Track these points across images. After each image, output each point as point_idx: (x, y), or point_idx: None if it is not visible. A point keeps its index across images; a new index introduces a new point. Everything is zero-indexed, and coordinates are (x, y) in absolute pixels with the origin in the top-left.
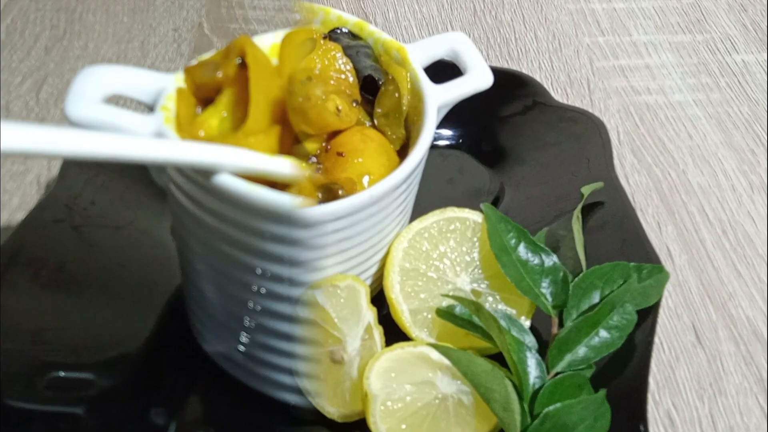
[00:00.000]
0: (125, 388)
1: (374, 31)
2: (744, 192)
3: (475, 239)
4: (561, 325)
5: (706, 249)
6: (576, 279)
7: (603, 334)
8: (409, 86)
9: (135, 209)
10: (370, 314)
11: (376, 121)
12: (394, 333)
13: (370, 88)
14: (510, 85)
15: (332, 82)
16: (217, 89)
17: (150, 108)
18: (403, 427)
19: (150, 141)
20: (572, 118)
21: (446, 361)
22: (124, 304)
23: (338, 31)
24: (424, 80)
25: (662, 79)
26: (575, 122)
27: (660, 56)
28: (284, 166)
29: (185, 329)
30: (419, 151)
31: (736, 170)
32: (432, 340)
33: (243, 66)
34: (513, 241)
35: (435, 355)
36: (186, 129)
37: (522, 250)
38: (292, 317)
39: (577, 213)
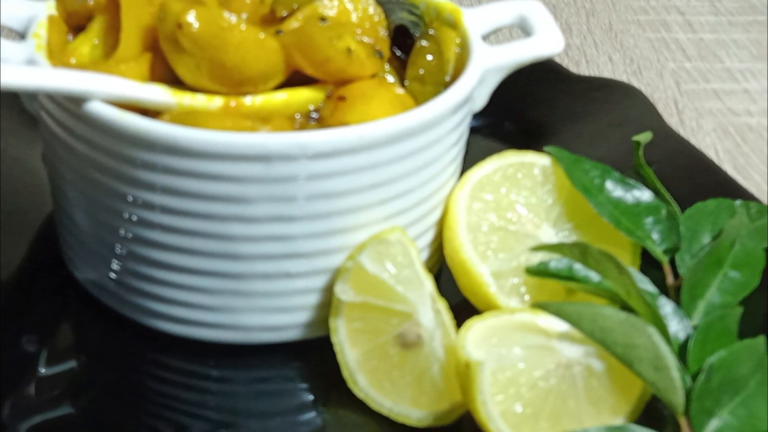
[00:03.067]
0: None
1: None
2: None
3: (549, 185)
4: (675, 274)
5: None
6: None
7: (733, 274)
8: (457, 51)
9: (6, 136)
10: (428, 281)
11: (407, 84)
12: (459, 313)
13: (404, 45)
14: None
15: (358, 31)
16: (89, 16)
17: (21, 35)
18: (519, 409)
19: (21, 68)
20: (601, 87)
21: (560, 327)
22: None
23: None
24: (476, 41)
25: (765, 102)
26: (607, 90)
27: (760, 82)
28: (155, 93)
29: (57, 257)
30: (446, 97)
31: None
32: None
33: None
34: (596, 180)
35: (543, 321)
36: (57, 56)
37: (610, 188)
38: (164, 245)
39: (642, 160)
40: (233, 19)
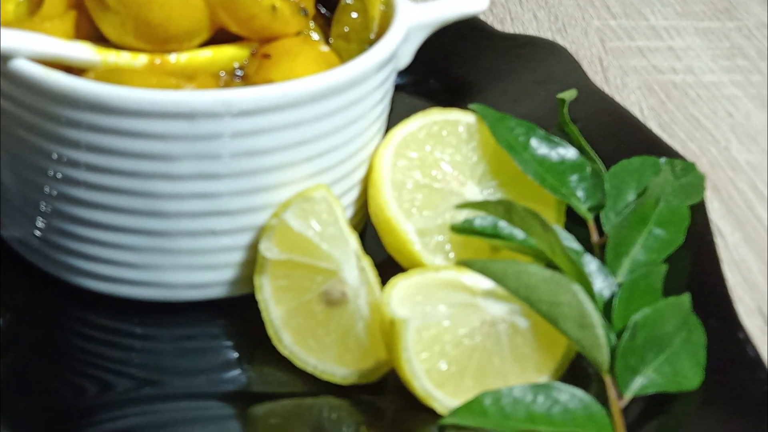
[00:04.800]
0: None
1: None
2: None
3: (474, 143)
4: (600, 232)
5: (765, 226)
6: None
7: (657, 231)
8: (382, 8)
9: None
10: (353, 238)
11: (331, 42)
12: (384, 271)
13: (329, 2)
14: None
15: None
16: None
17: None
18: (444, 366)
19: None
20: (526, 44)
21: (485, 285)
22: None
23: None
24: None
25: (689, 60)
26: (531, 48)
27: (685, 40)
28: (80, 50)
29: None
30: (371, 55)
31: None
32: None
33: None
34: (521, 137)
35: (468, 279)
36: None
37: (535, 146)
38: (89, 202)
39: (566, 118)
40: None
